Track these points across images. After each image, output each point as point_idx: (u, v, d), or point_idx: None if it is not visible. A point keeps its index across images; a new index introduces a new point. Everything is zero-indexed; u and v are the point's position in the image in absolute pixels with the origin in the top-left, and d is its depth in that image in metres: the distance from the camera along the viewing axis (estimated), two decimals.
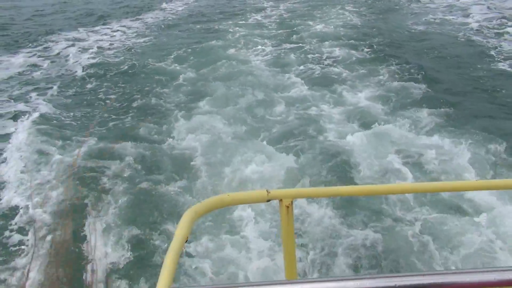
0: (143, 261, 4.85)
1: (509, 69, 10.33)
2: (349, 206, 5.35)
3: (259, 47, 13.48)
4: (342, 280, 0.83)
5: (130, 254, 4.93)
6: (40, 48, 14.85)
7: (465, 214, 5.19)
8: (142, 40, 15.33)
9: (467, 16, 16.39)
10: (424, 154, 6.54)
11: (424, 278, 0.81)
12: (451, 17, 16.61)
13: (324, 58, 12.06)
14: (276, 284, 0.84)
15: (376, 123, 7.61)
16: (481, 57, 11.27)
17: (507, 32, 13.47)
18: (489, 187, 2.34)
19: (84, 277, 4.68)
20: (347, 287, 0.82)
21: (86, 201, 5.88)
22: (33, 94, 10.21)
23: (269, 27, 16.63)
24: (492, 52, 11.59)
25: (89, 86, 10.75)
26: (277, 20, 17.80)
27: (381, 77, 10.22)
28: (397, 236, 4.93)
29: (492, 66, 10.55)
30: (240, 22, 17.74)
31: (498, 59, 11.05)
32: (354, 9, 19.20)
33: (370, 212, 5.27)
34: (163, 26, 17.70)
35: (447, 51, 12.08)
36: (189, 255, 4.79)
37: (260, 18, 18.49)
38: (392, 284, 0.81)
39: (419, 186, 3.16)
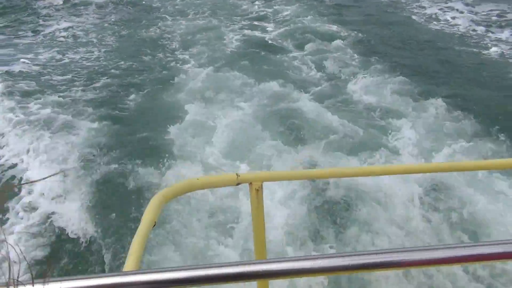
0: (111, 245, 4.80)
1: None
2: (319, 188, 5.40)
3: None
4: (297, 260, 0.85)
5: (97, 238, 4.89)
6: None
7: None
8: None
9: None
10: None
11: (377, 256, 0.83)
12: None
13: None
14: (241, 264, 0.86)
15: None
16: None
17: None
18: (442, 169, 2.41)
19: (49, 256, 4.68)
20: (302, 266, 0.84)
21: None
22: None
23: None
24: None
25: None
26: None
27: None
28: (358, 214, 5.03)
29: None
30: None
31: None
32: None
33: (338, 194, 5.32)
34: None
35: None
36: (157, 238, 4.73)
37: None
38: (346, 263, 0.83)
39: (389, 168, 3.21)
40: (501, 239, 0.86)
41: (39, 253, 4.73)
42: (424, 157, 6.13)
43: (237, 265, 0.85)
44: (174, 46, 10.80)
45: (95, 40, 11.29)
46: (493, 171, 5.43)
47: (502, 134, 6.53)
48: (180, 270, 0.84)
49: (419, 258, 0.83)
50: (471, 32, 11.39)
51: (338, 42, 10.53)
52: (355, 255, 0.84)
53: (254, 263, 0.85)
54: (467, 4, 13.29)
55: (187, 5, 14.17)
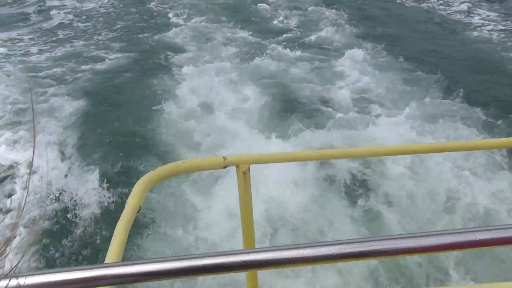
0: (94, 229, 4.73)
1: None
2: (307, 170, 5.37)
3: None
4: (279, 250, 0.81)
5: (79, 223, 4.79)
6: None
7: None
8: None
9: None
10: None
11: (363, 244, 0.82)
12: None
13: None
14: (226, 255, 0.83)
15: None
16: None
17: None
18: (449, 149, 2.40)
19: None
20: (285, 256, 0.82)
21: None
22: None
23: None
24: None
25: None
26: None
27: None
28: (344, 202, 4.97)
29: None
30: None
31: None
32: None
33: (326, 178, 5.29)
34: None
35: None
36: (142, 225, 4.64)
37: None
38: (331, 252, 0.82)
39: (380, 149, 3.20)
40: (495, 225, 0.84)
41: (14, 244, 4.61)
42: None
43: (222, 255, 0.82)
44: (166, 4, 12.43)
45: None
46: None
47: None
48: (165, 261, 0.81)
49: (410, 246, 0.82)
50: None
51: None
52: (340, 243, 0.81)
53: (240, 253, 0.82)
54: None
55: None
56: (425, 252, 0.83)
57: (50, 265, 4.32)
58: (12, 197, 5.15)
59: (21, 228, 4.61)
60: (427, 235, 0.82)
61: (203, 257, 0.80)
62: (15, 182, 5.37)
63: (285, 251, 0.81)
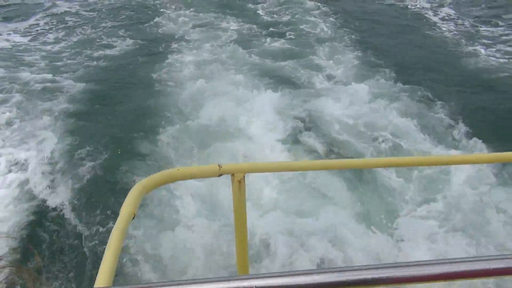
0: (89, 236, 4.56)
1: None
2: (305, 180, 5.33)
3: None
4: (292, 275, 0.80)
5: (74, 231, 4.63)
6: None
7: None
8: None
9: None
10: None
11: (377, 271, 0.79)
12: None
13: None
14: (220, 281, 0.78)
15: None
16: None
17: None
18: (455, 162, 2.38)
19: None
20: (297, 282, 0.79)
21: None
22: None
23: None
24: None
25: None
26: None
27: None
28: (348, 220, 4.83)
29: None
30: None
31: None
32: None
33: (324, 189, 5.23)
34: None
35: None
36: (134, 236, 4.43)
37: None
38: (344, 278, 0.80)
39: (372, 161, 3.19)
40: (509, 253, 0.82)
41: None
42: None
43: (234, 280, 0.79)
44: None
45: None
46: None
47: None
48: (169, 285, 0.76)
49: (423, 274, 0.80)
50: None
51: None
52: (353, 270, 0.78)
53: (251, 278, 0.79)
54: None
55: None
56: (438, 280, 0.81)
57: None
58: None
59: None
60: (441, 263, 0.81)
61: (206, 282, 0.76)
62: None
63: (297, 276, 0.79)
